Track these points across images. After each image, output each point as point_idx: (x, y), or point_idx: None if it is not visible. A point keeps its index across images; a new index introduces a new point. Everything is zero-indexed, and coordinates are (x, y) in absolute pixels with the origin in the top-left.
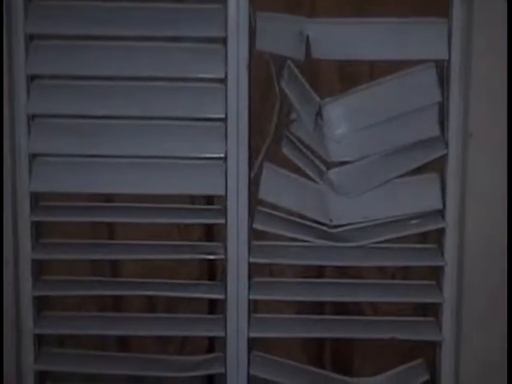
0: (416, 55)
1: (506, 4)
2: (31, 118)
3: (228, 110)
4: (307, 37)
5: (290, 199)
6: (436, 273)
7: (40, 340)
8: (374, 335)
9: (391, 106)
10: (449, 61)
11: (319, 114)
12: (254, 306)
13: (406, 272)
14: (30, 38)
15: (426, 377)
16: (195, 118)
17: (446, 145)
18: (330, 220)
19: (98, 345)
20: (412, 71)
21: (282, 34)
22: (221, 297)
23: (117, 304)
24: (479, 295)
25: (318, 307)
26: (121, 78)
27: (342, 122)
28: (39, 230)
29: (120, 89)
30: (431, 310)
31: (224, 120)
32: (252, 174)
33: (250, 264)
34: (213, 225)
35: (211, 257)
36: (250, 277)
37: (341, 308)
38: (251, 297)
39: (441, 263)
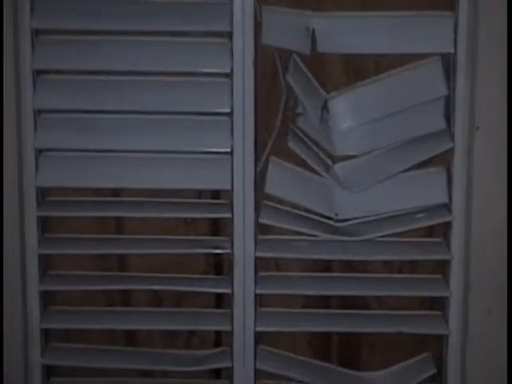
0: (422, 49)
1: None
2: (37, 113)
3: (234, 104)
4: (313, 31)
5: (296, 193)
6: (442, 267)
7: (47, 335)
8: (381, 329)
9: (397, 100)
10: (455, 54)
11: (325, 107)
12: (260, 301)
13: (412, 266)
14: (36, 33)
15: (433, 370)
16: (201, 113)
17: (452, 138)
18: (336, 214)
19: (104, 339)
20: (418, 65)
21: (288, 28)
22: (227, 291)
23: (124, 298)
24: (486, 289)
25: (325, 301)
26: (127, 72)
27: (348, 115)
28: (46, 225)
29: (126, 83)
30: (438, 304)
31: (230, 114)
32: (258, 169)
33: (256, 258)
34: (219, 219)
35: (218, 251)
36: (256, 271)
37: (347, 302)
38: (258, 291)
39: (447, 257)
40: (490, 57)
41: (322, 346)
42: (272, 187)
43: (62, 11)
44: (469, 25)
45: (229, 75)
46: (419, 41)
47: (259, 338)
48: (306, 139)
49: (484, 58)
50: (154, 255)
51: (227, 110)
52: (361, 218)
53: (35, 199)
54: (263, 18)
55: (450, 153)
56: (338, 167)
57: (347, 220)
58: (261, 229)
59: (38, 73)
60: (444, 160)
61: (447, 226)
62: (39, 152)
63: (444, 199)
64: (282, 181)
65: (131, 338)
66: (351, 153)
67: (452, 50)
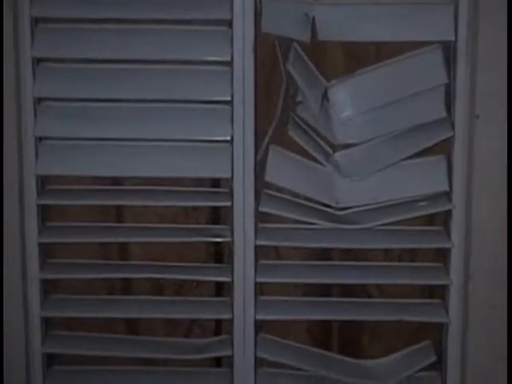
0: (422, 36)
1: None
2: (37, 101)
3: (234, 92)
4: (313, 19)
5: (297, 182)
6: (443, 255)
7: (47, 323)
8: (381, 317)
9: (397, 88)
10: (455, 42)
11: (325, 96)
12: (260, 289)
13: (412, 254)
14: (36, 22)
15: (433, 358)
16: (201, 101)
17: (453, 127)
18: (337, 202)
19: (105, 328)
20: (418, 53)
21: (288, 16)
22: (228, 279)
23: (124, 287)
24: (486, 277)
25: (325, 290)
26: (127, 60)
27: (348, 104)
28: (46, 214)
29: (126, 72)
30: (438, 292)
31: (230, 103)
32: (258, 157)
33: (256, 247)
34: (219, 208)
35: (218, 239)
36: (256, 259)
37: (347, 290)
38: (258, 279)
39: (448, 245)
40: (491, 45)
41: (322, 335)
42: (272, 175)
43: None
44: (469, 12)
45: (229, 63)
46: (419, 28)
47: (259, 326)
48: (306, 127)
49: (484, 45)
50: (154, 244)
51: (227, 98)
52: (361, 207)
53: (35, 188)
54: (263, 6)
55: (450, 141)
56: (338, 155)
57: (347, 208)
58: (261, 217)
59: (38, 61)
60: (444, 148)
61: (447, 214)
62: (39, 140)
63: (444, 187)
64: (282, 169)
65: (132, 326)
66: (351, 141)
67: (452, 38)
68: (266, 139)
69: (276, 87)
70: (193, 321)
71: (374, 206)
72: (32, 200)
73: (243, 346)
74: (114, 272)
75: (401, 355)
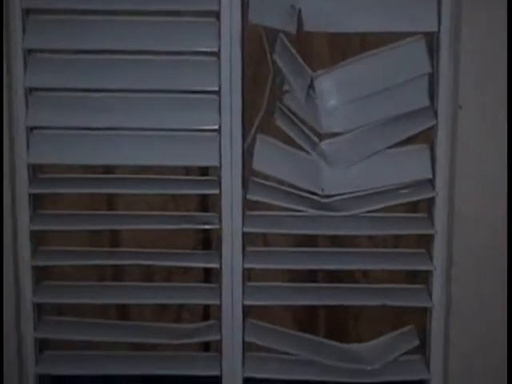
0: (406, 27)
1: None
2: (29, 91)
3: (221, 82)
4: (299, 10)
5: (283, 170)
6: (426, 241)
7: (39, 309)
8: (366, 302)
9: (382, 78)
10: (438, 33)
11: (311, 86)
12: (248, 275)
13: (397, 240)
14: (27, 13)
15: (417, 342)
16: (189, 91)
17: (436, 116)
18: (322, 190)
19: (96, 313)
20: (402, 43)
21: (275, 8)
22: (216, 266)
23: (115, 274)
24: (468, 263)
25: (311, 275)
26: (116, 51)
27: (334, 93)
28: (38, 202)
29: (115, 62)
30: (421, 278)
31: (217, 93)
32: (245, 146)
33: (244, 234)
34: (208, 196)
35: (206, 227)
36: (244, 246)
37: (333, 276)
38: (246, 265)
39: (431, 231)
40: (473, 35)
41: (309, 320)
42: (259, 164)
43: None
44: (452, 4)
45: (216, 54)
46: (403, 20)
47: (247, 311)
48: (292, 117)
49: (467, 36)
50: (144, 231)
51: (215, 88)
52: (346, 194)
53: (27, 176)
54: None
55: (433, 130)
56: (324, 144)
57: (333, 196)
58: (248, 205)
59: (29, 52)
60: (428, 137)
61: (431, 201)
62: (31, 130)
63: (427, 175)
64: (269, 158)
65: (123, 312)
66: (337, 130)
67: (436, 29)
68: (253, 128)
69: (263, 77)
70: (182, 306)
71: (358, 194)
72: (24, 188)
73: (231, 331)
74: (105, 259)
75: (385, 339)
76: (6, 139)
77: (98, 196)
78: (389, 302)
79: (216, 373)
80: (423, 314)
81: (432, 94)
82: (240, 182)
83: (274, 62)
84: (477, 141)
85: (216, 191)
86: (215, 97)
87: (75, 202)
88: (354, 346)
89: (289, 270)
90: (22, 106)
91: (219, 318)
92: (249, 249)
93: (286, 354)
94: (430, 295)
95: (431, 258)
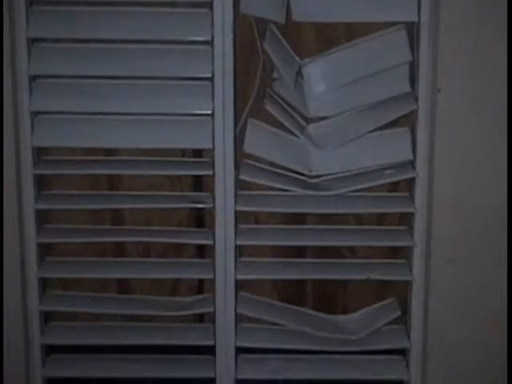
0: (388, 18)
1: None
2: (32, 78)
3: (214, 69)
4: (288, 1)
5: (273, 152)
6: (407, 219)
7: (44, 283)
8: (352, 276)
9: (366, 66)
10: (418, 23)
11: (299, 73)
12: (240, 251)
13: (380, 218)
14: (31, 4)
15: (398, 313)
16: (185, 78)
17: (416, 100)
18: (310, 171)
19: (98, 287)
20: (384, 33)
21: None
22: (210, 242)
23: (116, 250)
24: (447, 239)
25: (300, 252)
26: (116, 40)
27: (321, 80)
28: (42, 183)
29: (115, 51)
30: (403, 253)
31: (211, 79)
32: (237, 130)
33: (236, 212)
34: (201, 176)
35: (201, 206)
36: (236, 224)
37: (321, 252)
38: (238, 242)
39: (411, 210)
40: (451, 25)
41: (298, 293)
42: (250, 146)
43: None
44: None
45: (210, 43)
46: (386, 10)
47: (239, 285)
48: (281, 102)
49: (445, 25)
50: (141, 210)
51: (208, 75)
52: (333, 175)
53: (31, 158)
54: None
55: (414, 114)
56: (311, 128)
57: (320, 176)
58: (240, 185)
59: (32, 41)
60: (409, 120)
61: (411, 181)
62: (35, 115)
63: (408, 157)
64: (260, 141)
65: (122, 286)
66: (324, 114)
67: (416, 19)
68: (245, 113)
69: (254, 65)
70: (178, 281)
71: (344, 174)
72: (28, 170)
73: (224, 304)
74: (106, 236)
75: (369, 311)
76: (11, 124)
77: (99, 177)
78: (373, 276)
79: (210, 342)
80: (404, 287)
81: (412, 81)
82: (232, 163)
83: (264, 51)
84: (455, 124)
85: (210, 172)
86: (208, 83)
87: (77, 183)
88: (340, 317)
89: (279, 247)
90: (26, 92)
91: (213, 292)
92: (241, 226)
93: (276, 324)
94: (411, 269)
95: (412, 235)
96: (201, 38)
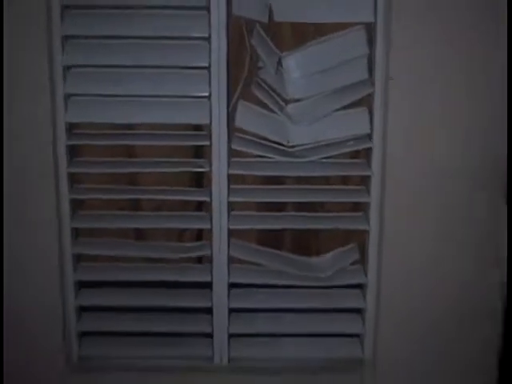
0: (351, 19)
1: None
2: (66, 68)
3: (211, 60)
4: (270, 5)
5: (259, 127)
6: (366, 180)
7: (76, 231)
8: (323, 226)
9: (333, 57)
10: (375, 23)
11: (279, 63)
12: (231, 206)
13: (344, 180)
14: (65, 7)
15: (358, 256)
16: (187, 67)
17: (373, 85)
18: (288, 142)
19: (119, 235)
20: (348, 31)
21: (252, 2)
22: (207, 199)
23: (132, 206)
24: (400, 195)
25: (281, 207)
26: (132, 37)
27: (297, 69)
28: (74, 152)
29: (131, 45)
30: (363, 207)
31: (208, 68)
32: (230, 109)
33: (228, 175)
34: (201, 146)
35: (200, 169)
36: (229, 185)
37: (298, 207)
38: (230, 199)
39: (368, 173)
40: (401, 24)
41: (278, 240)
42: (240, 122)
43: None
44: (386, 0)
45: (207, 39)
46: (348, 13)
47: (231, 234)
48: (265, 87)
49: (397, 24)
50: (153, 173)
51: (206, 65)
52: (306, 145)
53: (65, 132)
54: None
55: (371, 96)
56: (289, 107)
57: (296, 146)
58: (232, 153)
59: (66, 38)
60: (367, 101)
61: (369, 150)
62: (68, 97)
63: (366, 131)
64: (248, 118)
65: (139, 234)
66: (299, 96)
67: (373, 20)
68: (236, 95)
69: (243, 56)
70: (182, 230)
71: (316, 145)
72: (62, 142)
73: (219, 248)
74: (125, 194)
75: (336, 253)
76: (48, 104)
77: (119, 146)
78: (339, 226)
79: (208, 279)
80: (364, 234)
81: (370, 70)
82: (226, 135)
83: (251, 45)
84: (404, 104)
85: (207, 143)
86: (206, 71)
87: (102, 152)
88: (313, 259)
89: (263, 203)
90: (61, 79)
91: (210, 239)
92: (232, 186)
93: (261, 265)
94: (368, 221)
95: (369, 193)
96: (200, 35)
